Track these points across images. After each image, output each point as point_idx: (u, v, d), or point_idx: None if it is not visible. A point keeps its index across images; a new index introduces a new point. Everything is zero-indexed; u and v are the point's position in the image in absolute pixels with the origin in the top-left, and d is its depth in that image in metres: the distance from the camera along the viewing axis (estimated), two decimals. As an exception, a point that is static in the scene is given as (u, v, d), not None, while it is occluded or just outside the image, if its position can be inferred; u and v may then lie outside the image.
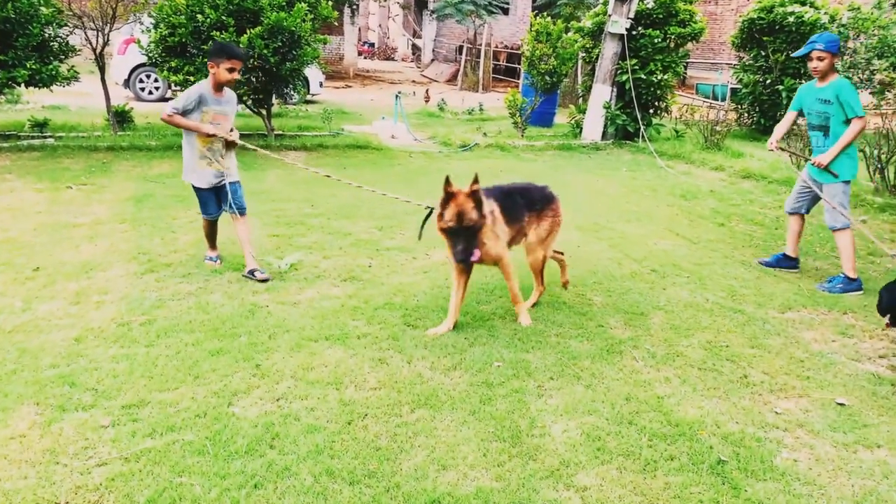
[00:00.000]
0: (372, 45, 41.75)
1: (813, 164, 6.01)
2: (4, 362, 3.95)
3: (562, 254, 5.65)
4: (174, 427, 3.39)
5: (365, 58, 37.53)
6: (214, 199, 5.70)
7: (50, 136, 10.50)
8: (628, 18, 12.71)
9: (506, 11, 31.96)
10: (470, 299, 5.16)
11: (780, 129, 6.37)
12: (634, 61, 12.67)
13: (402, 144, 12.38)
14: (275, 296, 5.19)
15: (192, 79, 10.21)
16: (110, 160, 9.59)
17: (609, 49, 12.99)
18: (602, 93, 13.20)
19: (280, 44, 10.14)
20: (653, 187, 9.96)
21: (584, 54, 13.70)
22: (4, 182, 8.28)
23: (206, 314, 4.77)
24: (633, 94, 12.53)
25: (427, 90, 22.07)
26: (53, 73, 9.65)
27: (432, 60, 33.92)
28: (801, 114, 6.30)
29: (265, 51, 9.92)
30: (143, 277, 5.42)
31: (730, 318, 5.16)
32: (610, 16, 12.76)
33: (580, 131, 13.68)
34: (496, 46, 28.92)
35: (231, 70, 5.24)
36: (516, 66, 28.56)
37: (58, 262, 5.65)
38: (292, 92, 11.29)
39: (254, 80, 10.33)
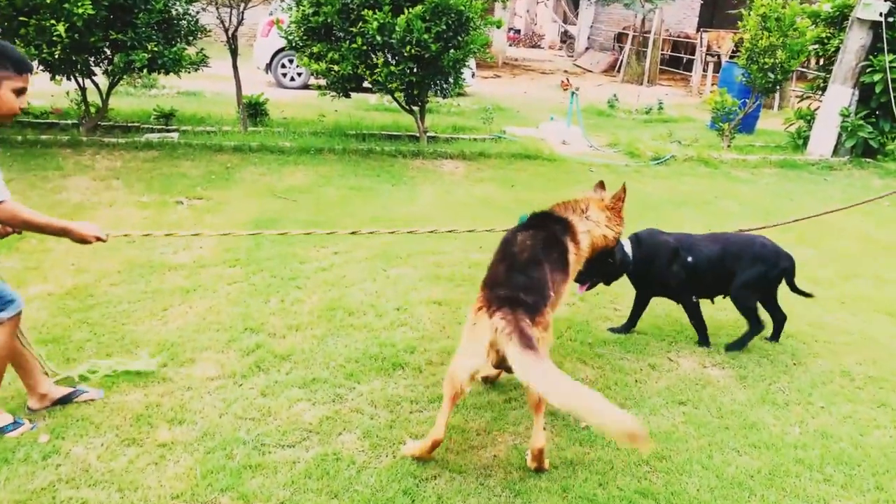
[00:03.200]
0: (518, 31, 39.31)
1: None
2: None
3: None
4: None
5: (510, 45, 35.19)
6: None
7: (174, 130, 9.04)
8: (887, 0, 9.69)
9: (674, -5, 28.61)
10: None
11: None
12: (893, 57, 9.63)
13: (577, 153, 10.06)
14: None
15: (336, 67, 8.42)
16: (235, 164, 7.93)
17: (854, 41, 9.99)
18: (840, 96, 10.24)
19: (444, 27, 8.08)
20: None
21: (816, 46, 10.74)
22: (108, 191, 6.76)
23: None
24: (893, 98, 9.50)
25: (567, 78, 19.72)
26: (178, 56, 8.10)
27: (587, 49, 31.12)
28: None
29: (425, 36, 7.90)
30: (241, 386, 3.48)
31: None
32: (861, -3, 9.79)
33: (803, 143, 10.77)
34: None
35: (21, 93, 2.74)
36: (682, 55, 25.50)
37: (128, 343, 3.84)
38: (451, 86, 9.25)
39: (408, 71, 8.33)
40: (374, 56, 8.40)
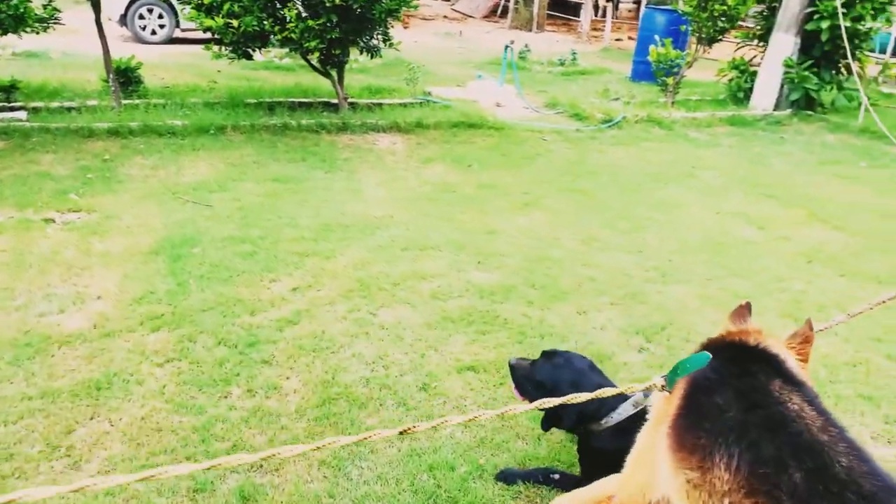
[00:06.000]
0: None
1: None
2: None
3: None
4: None
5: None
6: None
7: (20, 108, 6.93)
8: (832, -60, 9.04)
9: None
10: None
11: None
12: None
13: (517, 117, 8.82)
14: None
15: (235, 23, 6.62)
16: (115, 155, 6.04)
17: (799, -16, 9.33)
18: (783, 45, 9.58)
19: (377, -31, 6.51)
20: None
21: (758, -9, 10.01)
22: (-63, 208, 4.78)
23: None
24: (846, 46, 8.91)
25: (404, 16, 18.60)
26: (19, 12, 6.01)
27: (465, -8, 29.71)
28: None
29: (352, -20, 6.31)
30: None
31: None
32: (806, -64, 9.08)
33: (744, 96, 10.11)
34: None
35: None
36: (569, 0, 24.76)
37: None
38: (380, 42, 7.67)
39: (329, 25, 6.69)
40: (283, 7, 6.69)
